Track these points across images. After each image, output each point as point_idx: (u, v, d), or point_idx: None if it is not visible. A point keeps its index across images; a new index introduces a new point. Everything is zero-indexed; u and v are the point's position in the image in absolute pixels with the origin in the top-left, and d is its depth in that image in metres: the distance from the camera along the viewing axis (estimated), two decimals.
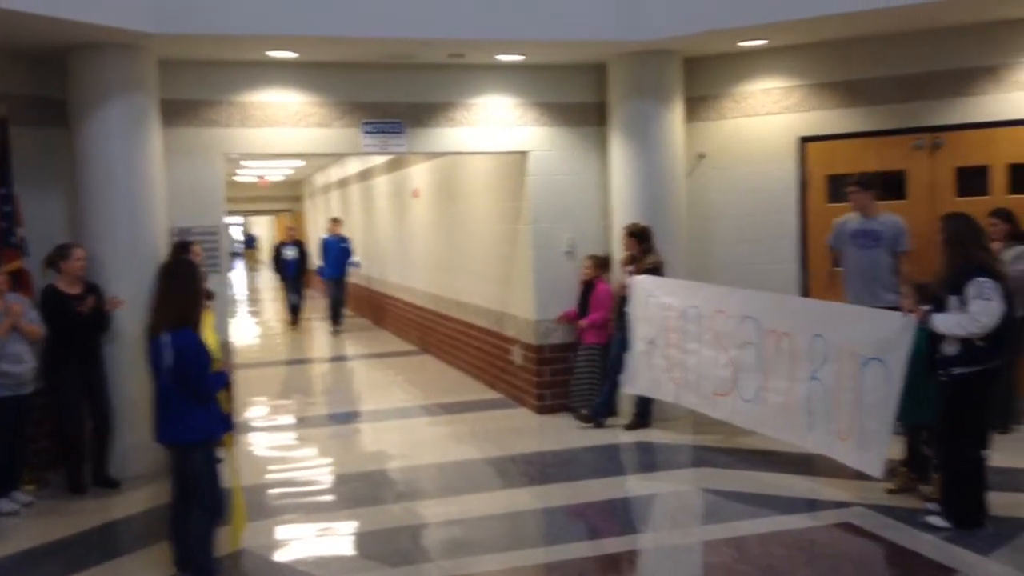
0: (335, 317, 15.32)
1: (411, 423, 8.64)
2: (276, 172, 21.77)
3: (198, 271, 4.82)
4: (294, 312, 16.28)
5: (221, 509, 4.83)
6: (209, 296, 5.38)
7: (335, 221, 16.03)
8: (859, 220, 7.10)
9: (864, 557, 5.08)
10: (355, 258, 15.70)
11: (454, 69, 8.00)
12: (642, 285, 7.47)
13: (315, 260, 16.94)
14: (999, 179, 7.32)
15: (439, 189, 11.79)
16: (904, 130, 7.60)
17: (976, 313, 4.97)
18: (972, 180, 7.43)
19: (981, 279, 5.01)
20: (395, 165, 13.96)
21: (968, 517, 5.19)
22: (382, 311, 15.59)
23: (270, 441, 8.22)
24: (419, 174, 12.68)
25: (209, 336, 4.74)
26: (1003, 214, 6.85)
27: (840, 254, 7.23)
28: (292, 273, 16.24)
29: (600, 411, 7.87)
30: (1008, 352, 5.39)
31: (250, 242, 38.70)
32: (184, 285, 4.61)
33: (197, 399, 4.51)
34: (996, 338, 5.07)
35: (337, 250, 15.45)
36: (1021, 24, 7.05)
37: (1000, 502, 5.39)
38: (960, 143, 7.44)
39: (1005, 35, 7.13)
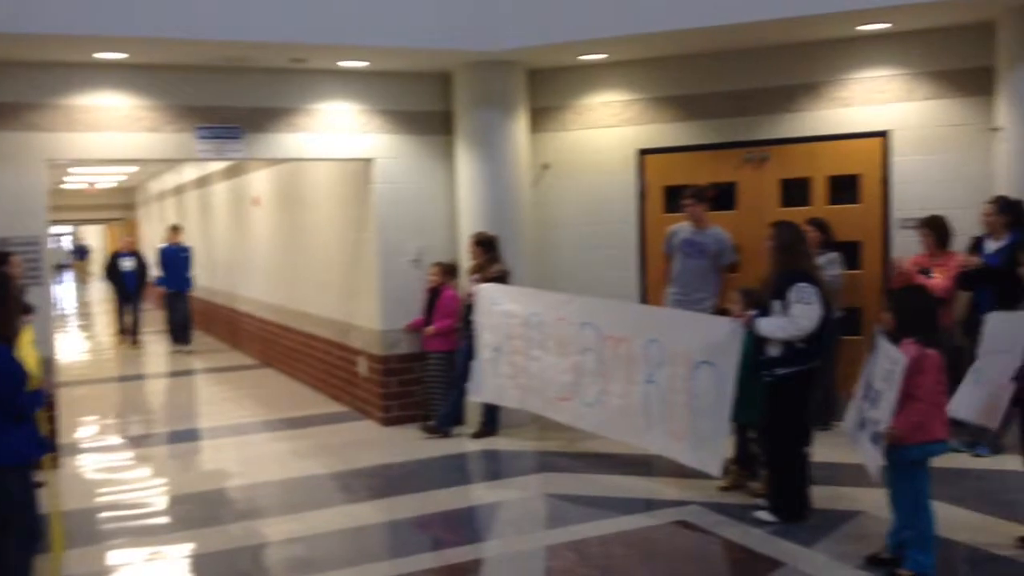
0: (180, 335, 14.10)
1: (252, 439, 8.36)
2: (108, 179, 20.72)
3: (12, 283, 4.50)
4: (131, 327, 15.21)
5: (39, 537, 4.52)
6: (28, 310, 5.03)
7: (174, 229, 14.66)
8: (690, 231, 7.41)
9: (698, 553, 5.28)
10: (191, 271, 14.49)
11: (296, 74, 7.83)
12: (487, 293, 7.52)
13: (153, 271, 15.84)
14: (819, 190, 7.79)
15: (281, 196, 11.50)
16: (735, 143, 7.98)
17: (797, 317, 5.27)
18: (796, 191, 7.87)
19: (802, 284, 5.31)
20: (235, 171, 13.53)
21: (793, 511, 5.47)
22: (221, 323, 15.04)
23: (100, 462, 7.76)
24: (260, 181, 12.33)
25: (27, 353, 4.43)
26: (817, 223, 7.27)
27: (669, 260, 7.55)
28: (130, 286, 15.02)
29: (446, 421, 7.86)
30: (826, 353, 5.72)
31: (81, 253, 35.85)
32: None
33: (12, 420, 4.20)
34: (815, 340, 5.39)
35: (177, 260, 14.16)
36: (839, 43, 7.53)
37: (822, 495, 5.71)
38: (785, 156, 7.87)
39: (826, 54, 7.61)
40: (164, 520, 6.14)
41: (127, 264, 15.00)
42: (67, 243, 40.68)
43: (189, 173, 16.77)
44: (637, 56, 8.04)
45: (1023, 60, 6.67)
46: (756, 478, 5.97)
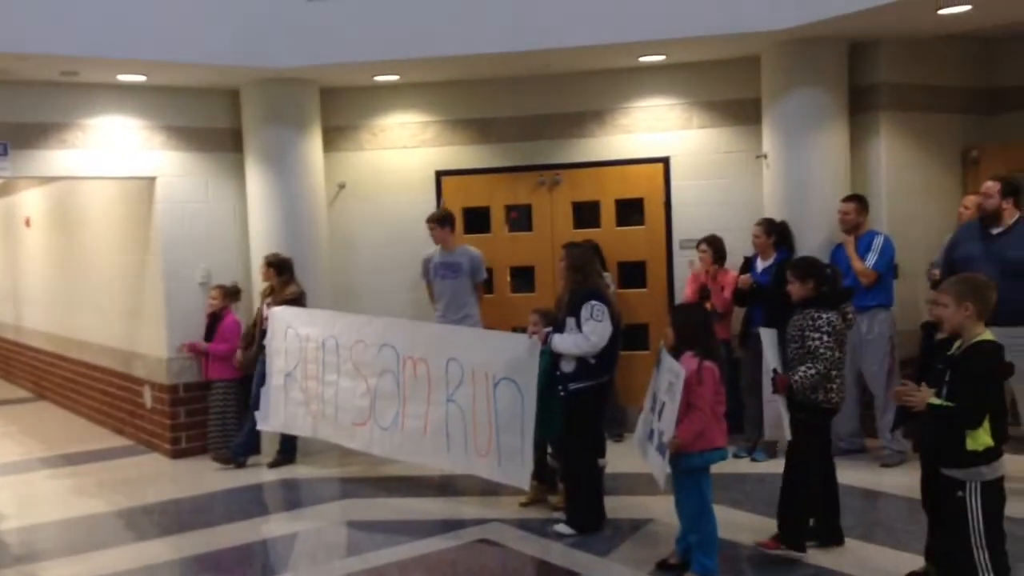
0: None
1: (27, 477, 7.67)
2: None
3: None
4: None
5: None
6: None
7: None
8: (440, 253, 7.58)
9: (501, 570, 5.31)
10: None
11: (68, 87, 7.30)
12: (280, 316, 7.29)
13: None
14: (608, 212, 8.12)
15: (56, 217, 10.68)
16: (530, 167, 8.19)
17: (589, 333, 5.44)
18: (587, 213, 8.18)
19: (594, 302, 5.50)
20: (4, 190, 12.47)
21: (589, 522, 5.63)
22: None
23: None
24: (32, 200, 11.42)
25: None
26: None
27: (431, 286, 7.71)
28: None
29: (240, 450, 7.52)
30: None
31: None
32: None
33: None
34: (606, 355, 5.59)
35: None
36: (623, 73, 7.91)
37: (616, 505, 5.91)
38: (576, 180, 8.16)
39: (611, 83, 7.96)
40: None
41: None
42: None
43: None
44: (431, 79, 8.10)
45: (783, 91, 7.26)
46: (555, 492, 6.10)
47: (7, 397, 11.70)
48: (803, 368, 4.82)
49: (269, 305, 7.41)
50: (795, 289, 5.04)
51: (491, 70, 7.79)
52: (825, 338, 4.84)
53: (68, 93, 7.33)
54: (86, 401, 9.84)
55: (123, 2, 6.65)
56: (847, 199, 6.95)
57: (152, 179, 7.78)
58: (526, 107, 8.15)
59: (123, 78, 7.29)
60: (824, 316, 4.89)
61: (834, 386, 4.90)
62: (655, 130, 7.98)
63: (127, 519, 6.40)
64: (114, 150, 7.57)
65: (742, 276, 6.97)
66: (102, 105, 7.49)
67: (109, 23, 6.58)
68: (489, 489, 6.24)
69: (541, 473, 6.19)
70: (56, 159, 7.36)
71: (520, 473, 5.79)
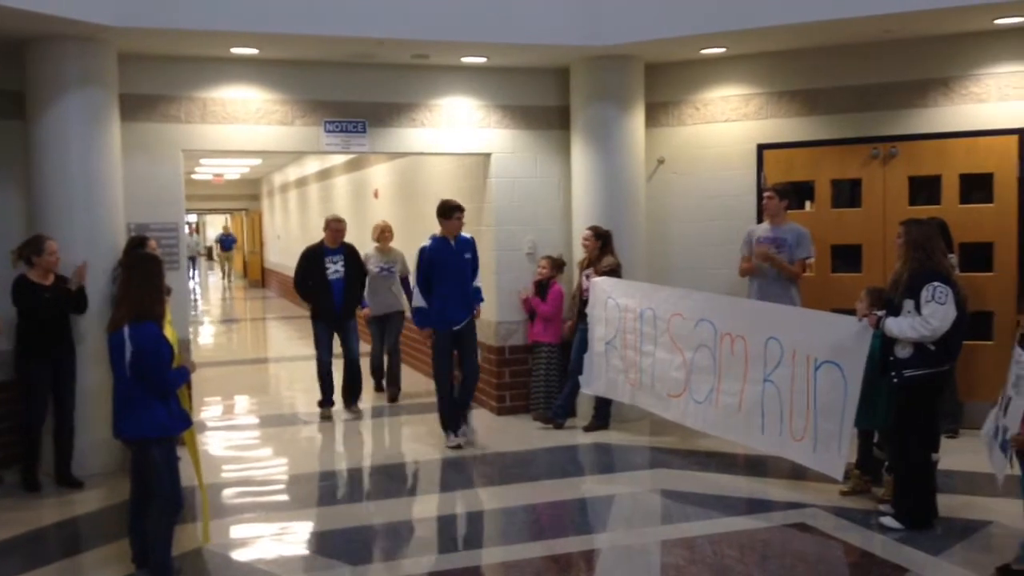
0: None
1: (369, 423, 8.60)
2: (233, 170, 21.57)
3: (159, 264, 4.77)
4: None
5: (180, 506, 4.78)
6: (168, 292, 5.30)
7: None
8: (767, 228, 7.31)
9: (817, 557, 5.16)
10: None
11: (418, 69, 8.01)
12: (601, 287, 7.54)
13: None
14: (951, 188, 7.49)
15: (400, 189, 11.75)
16: (861, 139, 7.76)
17: (929, 317, 5.09)
18: (925, 189, 7.61)
19: (936, 283, 5.11)
20: (356, 165, 13.89)
21: (919, 518, 5.31)
22: None
23: (230, 440, 8.14)
24: (381, 174, 12.63)
25: (169, 332, 4.69)
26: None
27: (749, 260, 7.36)
28: (338, 300, 8.56)
29: (560, 412, 7.92)
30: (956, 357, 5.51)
31: (228, 243, 30.74)
32: (145, 277, 4.55)
33: (157, 395, 4.46)
34: (947, 342, 5.20)
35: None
36: (973, 37, 7.24)
37: (951, 504, 5.54)
38: (914, 153, 7.60)
39: (958, 48, 7.32)
40: (284, 498, 6.40)
41: (335, 267, 8.61)
42: (210, 233, 39.29)
43: (311, 166, 17.30)
44: (757, 50, 7.90)
45: None
46: (879, 484, 5.81)
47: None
48: None
49: (588, 276, 7.68)
50: None
51: (823, 38, 7.45)
52: None
53: (418, 75, 8.03)
54: (422, 357, 10.76)
55: None
56: None
57: (487, 155, 8.33)
58: (858, 76, 7.71)
59: (466, 60, 7.86)
60: None
61: None
62: (1009, 99, 7.24)
63: (456, 468, 6.96)
64: (456, 128, 8.20)
65: None
66: (446, 86, 8.13)
67: (455, 8, 7.11)
68: (804, 474, 6.07)
69: (866, 463, 5.93)
70: (406, 136, 8.11)
71: (835, 462, 5.58)
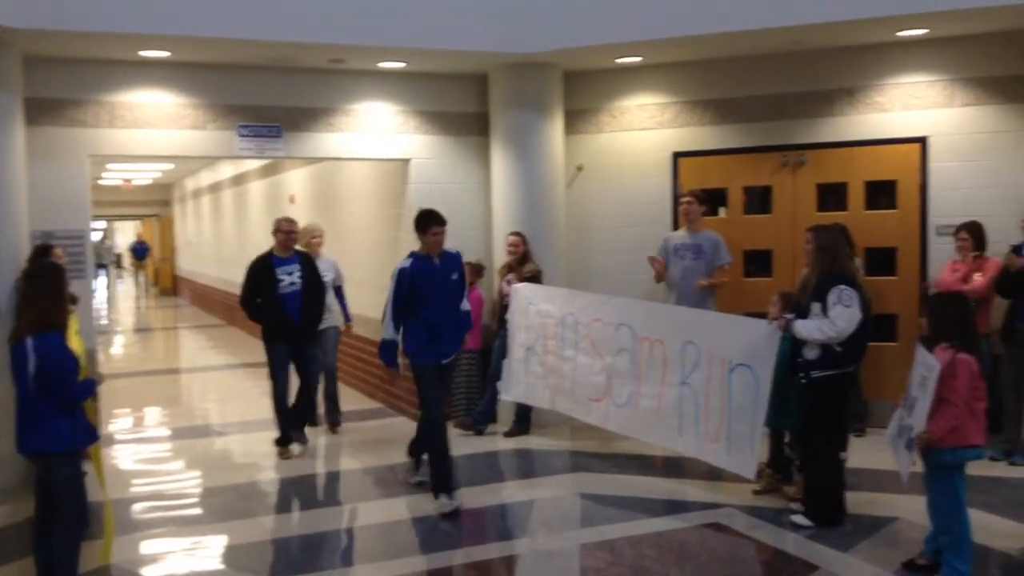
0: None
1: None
2: (144, 175, 21.03)
3: (63, 273, 4.60)
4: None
5: (86, 523, 4.62)
6: (73, 300, 5.13)
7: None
8: (683, 235, 7.52)
9: (732, 556, 5.28)
10: None
11: (335, 74, 7.92)
12: (522, 293, 7.57)
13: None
14: (857, 195, 7.75)
15: (317, 194, 11.61)
16: (772, 147, 7.97)
17: (835, 318, 5.25)
18: (832, 196, 7.85)
19: (842, 286, 5.28)
20: (271, 170, 13.66)
21: (829, 515, 5.46)
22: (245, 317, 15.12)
23: (137, 453, 7.90)
24: (296, 179, 12.45)
25: (75, 342, 4.53)
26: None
27: (667, 265, 7.59)
28: (293, 313, 7.41)
29: (480, 418, 7.92)
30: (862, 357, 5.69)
31: (141, 251, 30.17)
32: (47, 287, 4.40)
33: (61, 407, 4.31)
34: (854, 344, 5.37)
35: None
36: (878, 48, 7.51)
37: (858, 501, 5.71)
38: (822, 161, 7.84)
39: (864, 59, 7.58)
40: (198, 512, 6.25)
41: (289, 278, 7.41)
42: (120, 241, 38.36)
43: (225, 171, 16.96)
44: (672, 60, 8.06)
45: None
46: (790, 483, 5.97)
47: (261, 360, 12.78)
48: None
49: (509, 282, 7.70)
50: None
51: (735, 49, 7.64)
52: None
53: (335, 79, 7.94)
54: (342, 367, 10.62)
55: None
56: None
57: (406, 161, 8.29)
58: (769, 86, 7.93)
59: (384, 65, 7.81)
60: None
61: None
62: (912, 108, 7.53)
63: (375, 476, 6.89)
64: (374, 133, 8.14)
65: (1010, 254, 6.44)
66: (364, 91, 8.07)
67: (373, 13, 7.07)
68: (720, 474, 6.20)
69: (777, 462, 6.08)
70: (323, 141, 8.01)
71: (748, 462, 5.72)
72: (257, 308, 7.44)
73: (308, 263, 7.51)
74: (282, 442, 7.47)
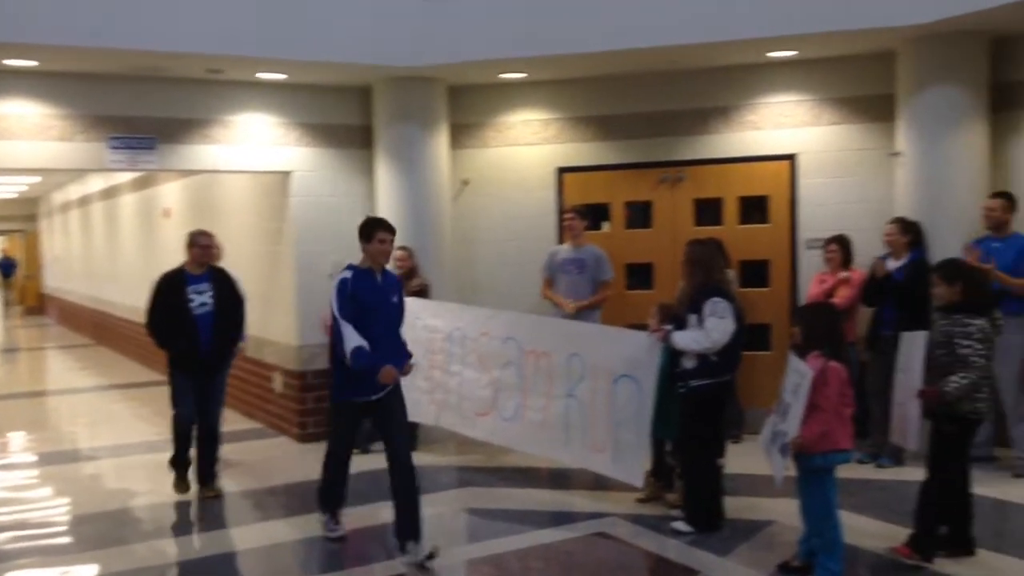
0: None
1: (158, 458, 8.09)
2: (8, 188, 19.98)
3: None
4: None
5: None
6: None
7: None
8: (568, 249, 7.67)
9: (617, 564, 5.34)
10: None
11: (212, 84, 7.70)
12: (409, 308, 7.46)
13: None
14: (731, 210, 8.03)
15: (193, 208, 11.24)
16: (653, 163, 8.17)
17: (711, 330, 5.41)
18: (709, 211, 8.10)
19: (717, 298, 5.46)
20: (145, 183, 13.18)
21: (708, 521, 5.60)
22: (115, 336, 14.56)
23: (2, 481, 7.47)
24: (172, 192, 12.05)
25: None
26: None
27: (550, 280, 7.73)
28: (204, 339, 6.76)
29: (365, 437, 7.74)
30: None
31: (7, 268, 28.31)
32: None
33: None
34: (728, 354, 5.54)
35: None
36: (749, 69, 7.81)
37: (736, 505, 5.87)
38: (699, 177, 8.09)
39: (736, 79, 7.86)
40: (66, 540, 5.93)
41: (200, 298, 6.74)
42: None
43: (95, 184, 16.27)
44: (555, 76, 8.17)
45: (921, 88, 7.03)
46: (672, 490, 6.10)
47: (132, 380, 12.35)
48: (956, 377, 4.69)
49: None
50: (941, 292, 4.89)
51: (615, 67, 7.81)
52: (977, 346, 4.70)
53: (212, 90, 7.72)
54: (248, 399, 10.30)
55: (264, 3, 6.98)
56: (994, 195, 6.69)
57: (287, 173, 8.13)
58: (649, 104, 8.13)
59: (263, 76, 7.64)
60: (976, 323, 4.74)
61: (982, 395, 4.77)
62: (782, 127, 7.85)
63: (254, 500, 6.70)
64: (253, 145, 7.94)
65: (876, 260, 6.75)
66: (243, 102, 7.87)
67: (251, 23, 6.91)
68: (605, 484, 6.28)
69: (659, 471, 6.20)
70: (199, 153, 7.77)
71: (634, 470, 5.83)
72: (167, 333, 6.60)
73: (221, 279, 6.77)
74: (179, 479, 6.77)
